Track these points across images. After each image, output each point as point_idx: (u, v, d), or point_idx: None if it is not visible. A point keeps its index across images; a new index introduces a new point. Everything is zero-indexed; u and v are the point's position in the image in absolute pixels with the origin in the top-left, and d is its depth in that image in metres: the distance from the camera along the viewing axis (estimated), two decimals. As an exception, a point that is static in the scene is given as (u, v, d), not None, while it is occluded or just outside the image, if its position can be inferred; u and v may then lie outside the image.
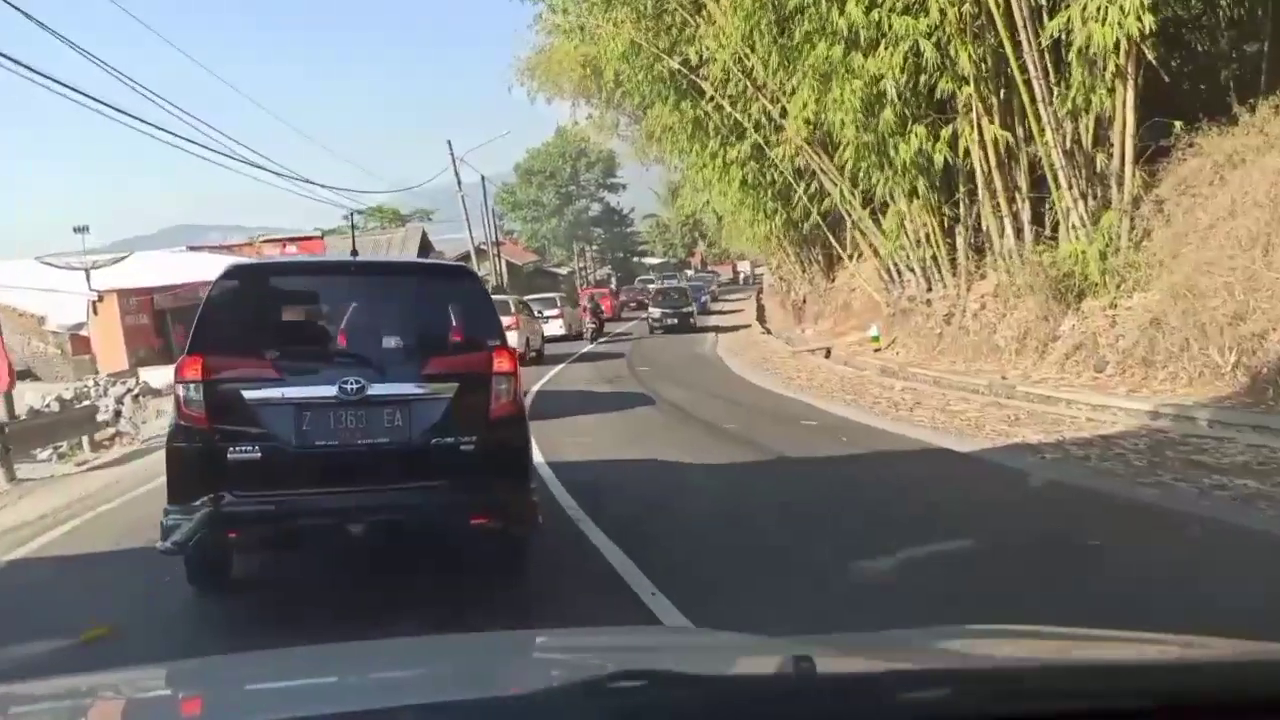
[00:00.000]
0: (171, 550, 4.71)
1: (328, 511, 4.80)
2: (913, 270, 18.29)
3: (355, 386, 4.74)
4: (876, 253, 19.57)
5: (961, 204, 15.88)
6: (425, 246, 42.51)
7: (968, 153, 15.14)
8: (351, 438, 4.79)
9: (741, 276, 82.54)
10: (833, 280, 26.78)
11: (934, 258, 16.99)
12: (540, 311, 28.56)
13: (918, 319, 17.99)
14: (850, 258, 25.33)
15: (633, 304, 45.05)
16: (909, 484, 7.68)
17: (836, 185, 19.04)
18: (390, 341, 5.10)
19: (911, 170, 15.67)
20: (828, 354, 21.01)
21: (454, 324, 5.22)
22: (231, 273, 5.36)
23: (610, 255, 78.81)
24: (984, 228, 15.91)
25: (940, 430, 9.92)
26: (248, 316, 5.12)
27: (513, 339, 22.29)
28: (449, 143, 39.52)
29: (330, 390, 4.75)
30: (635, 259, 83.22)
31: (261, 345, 4.94)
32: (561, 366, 22.27)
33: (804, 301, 28.83)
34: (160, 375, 18.95)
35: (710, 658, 2.01)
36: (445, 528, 5.04)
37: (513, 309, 22.73)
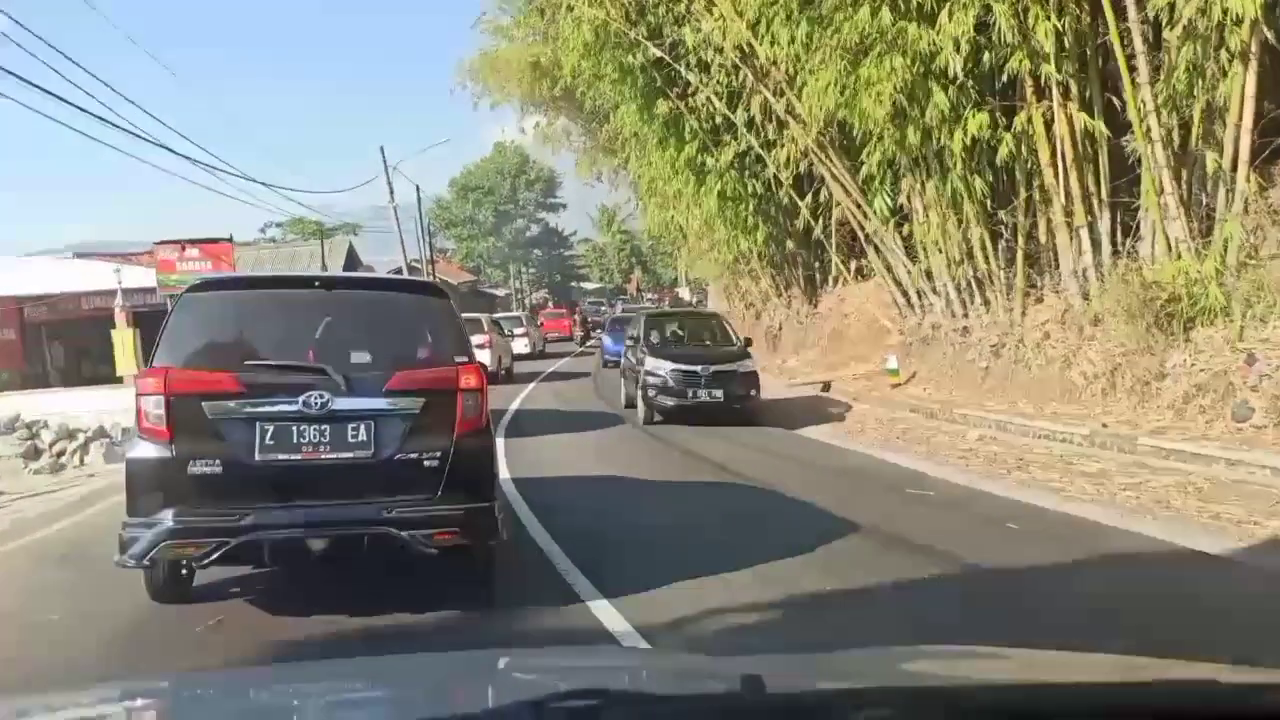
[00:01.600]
0: (129, 564, 4.67)
1: (289, 526, 4.73)
2: (938, 292, 15.63)
3: (320, 401, 4.73)
4: (891, 272, 16.87)
5: (1019, 212, 13.23)
6: (353, 261, 38.76)
7: (1033, 149, 12.55)
8: (315, 452, 4.76)
9: (683, 304, 79.96)
10: (816, 305, 24.09)
11: (975, 277, 14.30)
12: (510, 330, 28.21)
13: (947, 350, 15.31)
14: (843, 279, 22.78)
15: (587, 324, 44.62)
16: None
17: (849, 193, 16.34)
18: (357, 356, 5.08)
19: (963, 169, 12.99)
20: (826, 388, 18.24)
21: (421, 340, 5.28)
22: (198, 285, 5.38)
23: (548, 277, 75.47)
24: (1044, 241, 13.32)
25: (1120, 508, 7.04)
26: (213, 330, 5.13)
27: (487, 357, 19.91)
28: (382, 149, 36.02)
29: (294, 405, 4.73)
30: (574, 283, 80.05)
31: (226, 359, 4.91)
32: (533, 386, 21.35)
33: (780, 329, 26.07)
34: (14, 404, 14.97)
35: (663, 677, 2.03)
36: (408, 543, 4.76)
37: (485, 327, 22.25)
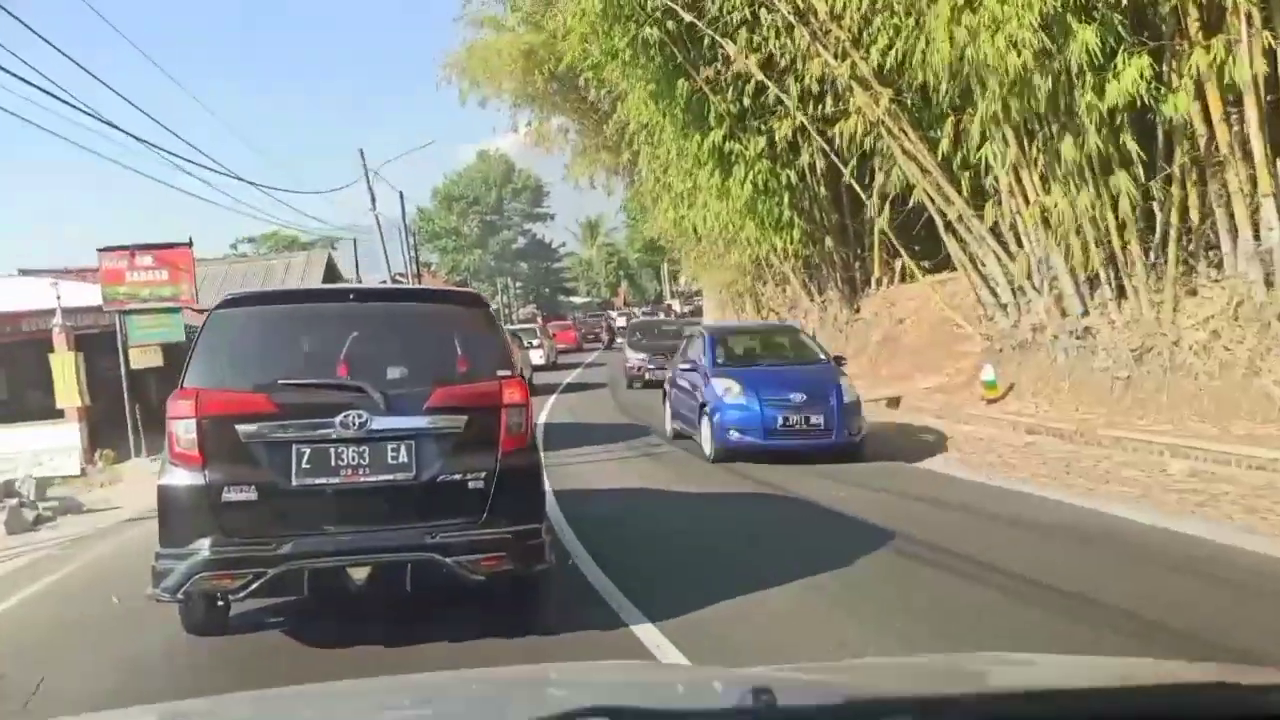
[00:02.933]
0: (163, 598, 4.48)
1: (329, 554, 4.53)
2: (1038, 288, 13.05)
3: (358, 421, 4.54)
4: (977, 265, 14.27)
5: (1173, 181, 10.63)
6: (333, 276, 35.96)
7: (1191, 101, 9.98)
8: (354, 475, 4.57)
9: (673, 315, 77.45)
10: (857, 310, 21.49)
11: (1108, 263, 11.67)
12: (528, 342, 28.23)
13: (1057, 356, 12.71)
14: (888, 278, 20.23)
15: (590, 336, 46.16)
16: None
17: (927, 172, 13.74)
18: (394, 372, 4.86)
19: (1104, 128, 10.38)
20: (894, 404, 15.62)
21: (462, 353, 5.03)
22: (227, 302, 5.06)
23: (535, 291, 72.42)
24: (1197, 217, 10.72)
25: None
26: (244, 348, 4.93)
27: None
28: (361, 152, 33.23)
29: (331, 425, 4.54)
30: (561, 296, 77.27)
31: (258, 378, 4.72)
32: (554, 398, 20.85)
33: (813, 337, 23.40)
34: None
35: (676, 692, 2.06)
36: (454, 570, 4.52)
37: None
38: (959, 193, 13.46)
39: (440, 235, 67.09)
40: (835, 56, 13.88)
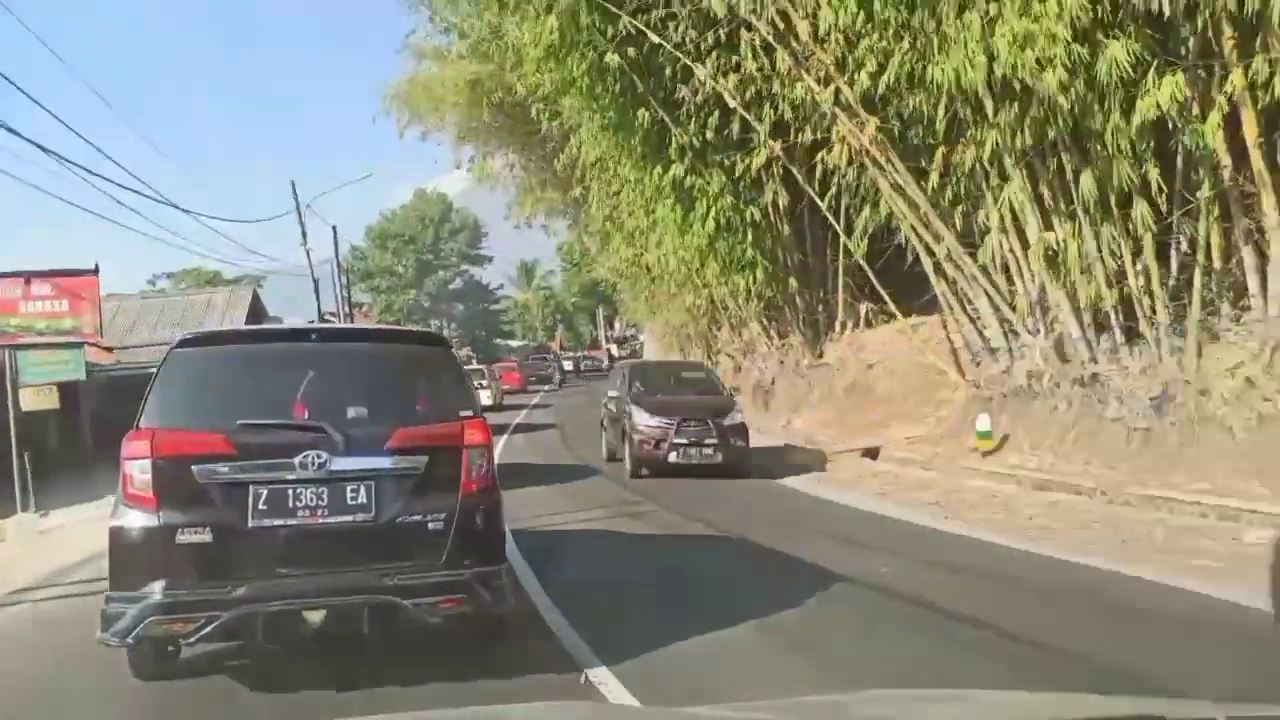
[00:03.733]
0: (112, 642, 4.35)
1: (285, 597, 4.43)
2: (1033, 331, 12.16)
3: (318, 461, 4.47)
4: (965, 307, 13.36)
5: (1202, 218, 9.77)
6: (257, 314, 33.93)
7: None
8: (312, 516, 4.49)
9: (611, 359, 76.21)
10: (820, 354, 20.49)
11: (1119, 305, 10.79)
12: (478, 383, 27.42)
13: (1058, 405, 11.76)
14: (853, 323, 19.27)
15: (532, 378, 46.50)
16: None
17: (916, 207, 12.82)
18: (354, 412, 4.82)
19: (1126, 157, 9.51)
20: (872, 455, 14.54)
21: (423, 392, 5.10)
22: (185, 341, 5.03)
23: (472, 334, 70.50)
24: (1218, 255, 9.90)
25: None
26: (201, 387, 4.86)
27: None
28: (293, 184, 31.44)
29: (289, 466, 4.46)
30: (498, 339, 75.49)
31: (215, 418, 4.62)
32: (505, 439, 19.67)
33: (772, 383, 22.36)
34: None
35: None
36: (412, 613, 4.49)
37: None
38: (949, 228, 12.55)
39: (374, 274, 64.87)
40: (818, 81, 12.94)
